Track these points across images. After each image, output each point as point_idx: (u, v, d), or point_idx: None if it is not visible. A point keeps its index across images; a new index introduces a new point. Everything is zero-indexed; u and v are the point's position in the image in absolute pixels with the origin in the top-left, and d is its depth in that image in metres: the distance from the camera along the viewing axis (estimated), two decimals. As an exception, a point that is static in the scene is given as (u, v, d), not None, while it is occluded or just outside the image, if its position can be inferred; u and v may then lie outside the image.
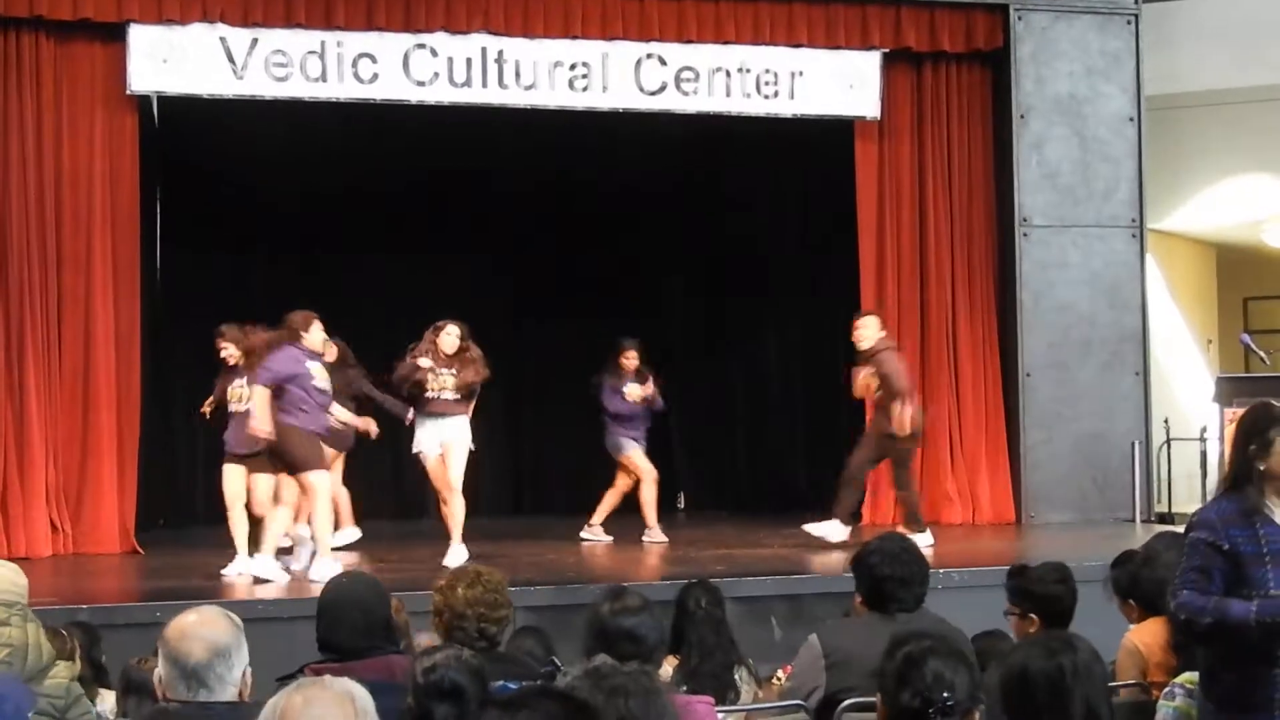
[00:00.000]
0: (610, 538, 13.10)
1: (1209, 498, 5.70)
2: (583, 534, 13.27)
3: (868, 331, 12.21)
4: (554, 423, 17.08)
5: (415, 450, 11.66)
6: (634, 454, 13.14)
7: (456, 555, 11.21)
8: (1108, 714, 4.11)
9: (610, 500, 13.28)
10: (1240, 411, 5.68)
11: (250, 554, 11.12)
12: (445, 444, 11.53)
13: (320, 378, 10.69)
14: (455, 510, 11.55)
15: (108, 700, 7.17)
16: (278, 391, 10.46)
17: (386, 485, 15.71)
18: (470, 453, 11.66)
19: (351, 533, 12.73)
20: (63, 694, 5.61)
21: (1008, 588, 6.70)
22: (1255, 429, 5.32)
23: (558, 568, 11.66)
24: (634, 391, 12.98)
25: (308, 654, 5.44)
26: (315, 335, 10.77)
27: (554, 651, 6.85)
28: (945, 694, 3.95)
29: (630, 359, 13.14)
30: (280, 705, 3.19)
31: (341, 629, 5.29)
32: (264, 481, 11.29)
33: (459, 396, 11.61)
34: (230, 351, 11.41)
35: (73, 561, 12.23)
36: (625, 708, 3.19)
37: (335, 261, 16.07)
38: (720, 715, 6.05)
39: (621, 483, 13.24)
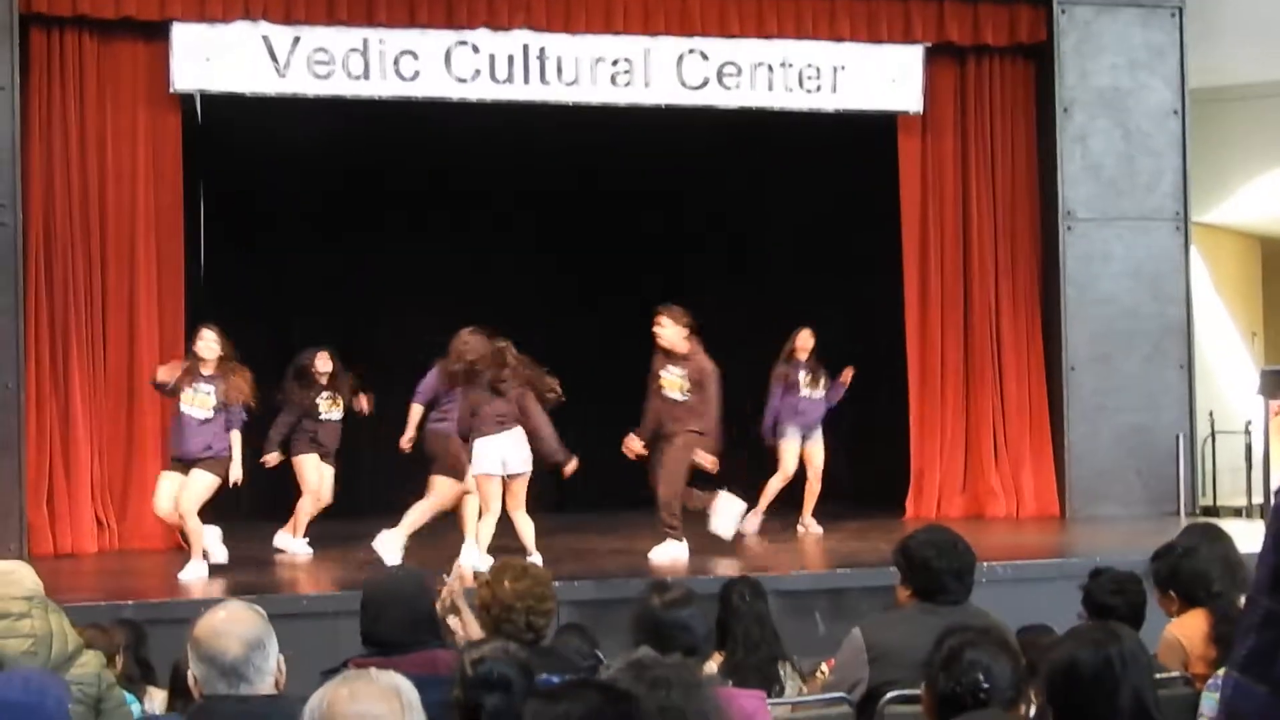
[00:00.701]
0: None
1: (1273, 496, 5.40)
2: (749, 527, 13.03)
3: (672, 331, 11.83)
4: (598, 418, 17.04)
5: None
6: (785, 444, 13.16)
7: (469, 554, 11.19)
8: (1154, 704, 4.09)
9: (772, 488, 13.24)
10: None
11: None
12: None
13: None
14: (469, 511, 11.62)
15: (156, 698, 7.22)
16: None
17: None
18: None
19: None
20: (93, 681, 5.63)
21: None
22: None
23: (598, 562, 11.66)
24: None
25: (351, 649, 5.47)
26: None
27: (599, 647, 6.87)
28: (985, 685, 3.95)
29: (805, 345, 13.20)
30: (326, 698, 3.20)
31: (385, 623, 5.31)
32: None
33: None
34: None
35: (118, 558, 12.29)
36: (667, 699, 3.19)
37: (374, 258, 16.09)
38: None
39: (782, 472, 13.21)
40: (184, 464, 11.16)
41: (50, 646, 5.54)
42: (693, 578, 9.50)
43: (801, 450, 13.15)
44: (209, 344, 11.18)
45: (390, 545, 11.19)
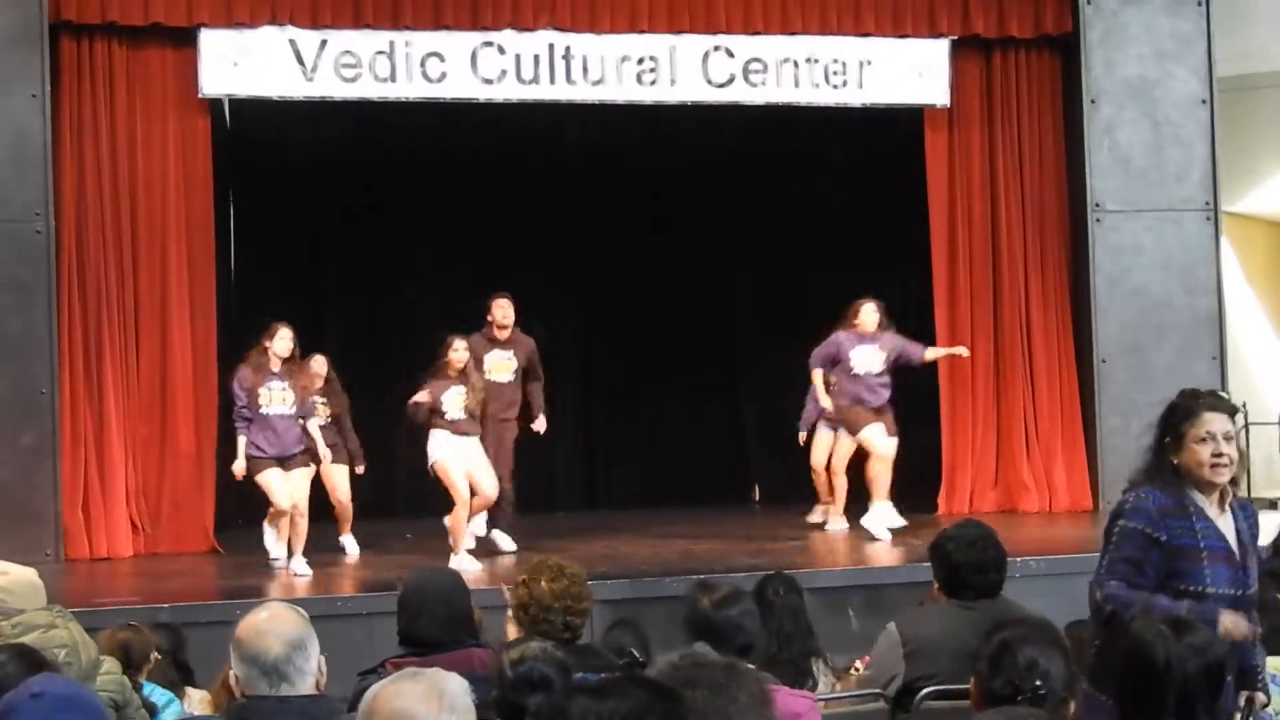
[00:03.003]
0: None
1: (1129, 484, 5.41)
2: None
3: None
4: (627, 417, 17.07)
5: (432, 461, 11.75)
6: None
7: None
8: (1205, 695, 4.05)
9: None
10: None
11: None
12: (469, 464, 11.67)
13: None
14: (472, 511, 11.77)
15: (194, 699, 7.25)
16: None
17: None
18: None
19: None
20: (117, 688, 5.66)
21: None
22: (1170, 421, 5.26)
23: (631, 560, 11.69)
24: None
25: (387, 649, 5.50)
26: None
27: (649, 644, 6.89)
28: (1038, 682, 3.94)
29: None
30: (374, 694, 3.22)
31: (423, 622, 5.35)
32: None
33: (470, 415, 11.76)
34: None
35: (153, 561, 12.35)
36: (712, 697, 3.20)
37: (404, 259, 16.11)
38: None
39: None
40: (277, 461, 11.27)
41: (80, 655, 5.56)
42: (728, 575, 9.48)
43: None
44: (286, 341, 11.39)
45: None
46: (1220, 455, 5.15)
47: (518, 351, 12.35)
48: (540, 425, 12.56)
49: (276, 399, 11.32)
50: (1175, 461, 5.17)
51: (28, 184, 12.37)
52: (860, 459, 12.71)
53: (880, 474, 12.49)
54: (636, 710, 2.65)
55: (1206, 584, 5.02)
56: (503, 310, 12.35)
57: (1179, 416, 5.23)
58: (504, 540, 12.33)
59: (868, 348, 12.53)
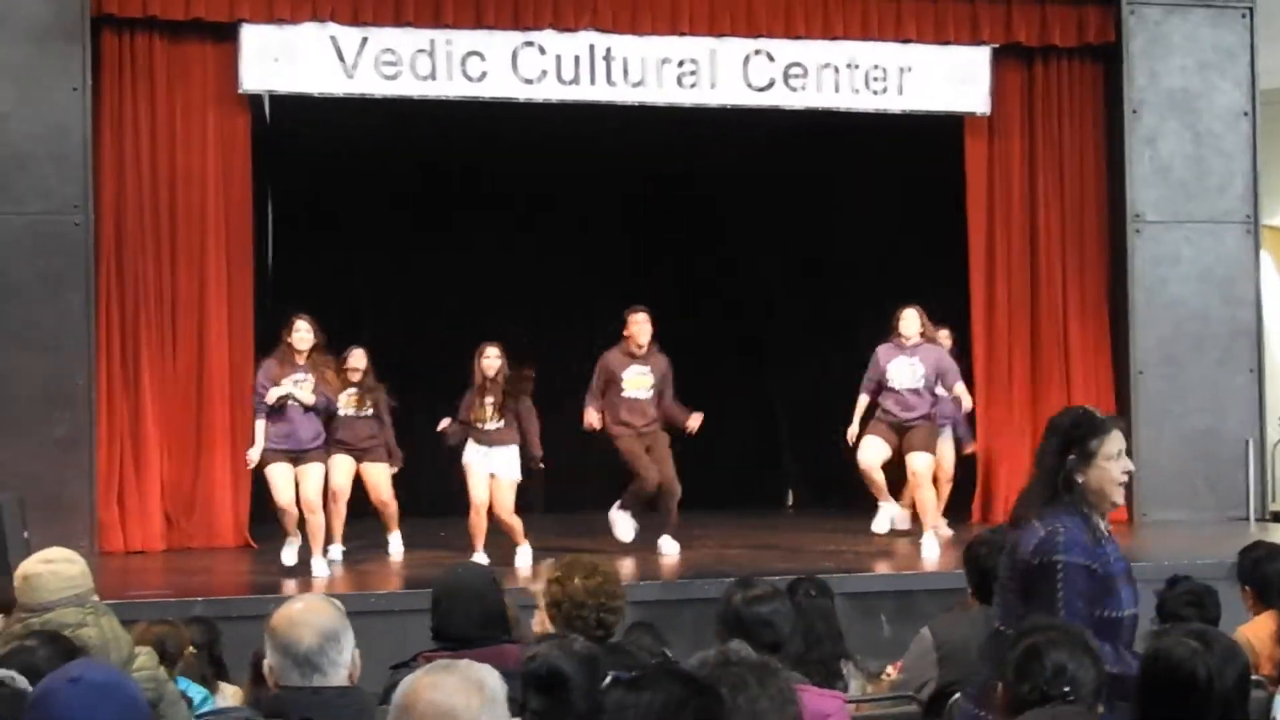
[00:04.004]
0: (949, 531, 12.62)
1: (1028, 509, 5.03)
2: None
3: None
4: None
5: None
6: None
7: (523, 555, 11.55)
8: (1241, 705, 4.00)
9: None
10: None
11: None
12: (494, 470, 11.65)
13: None
14: (513, 527, 11.70)
15: (227, 693, 7.26)
16: None
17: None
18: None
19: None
20: (151, 684, 5.62)
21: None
22: (1075, 435, 4.95)
23: (661, 563, 11.68)
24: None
25: (420, 646, 5.49)
26: None
27: (667, 645, 6.87)
28: (1066, 688, 3.91)
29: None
30: (411, 686, 3.20)
31: (457, 618, 5.34)
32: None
33: (501, 424, 11.66)
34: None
35: (186, 555, 12.37)
36: (744, 694, 3.19)
37: (441, 257, 16.12)
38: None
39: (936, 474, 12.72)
40: (290, 454, 11.19)
41: (110, 653, 5.49)
42: (763, 578, 9.45)
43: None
44: (304, 334, 11.30)
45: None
46: (1128, 473, 4.99)
47: (654, 368, 12.11)
48: (694, 424, 12.29)
49: (297, 392, 11.27)
50: (1080, 480, 4.90)
51: (68, 178, 12.43)
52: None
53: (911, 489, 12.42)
54: (672, 703, 2.64)
55: (1122, 607, 4.87)
56: (639, 326, 12.06)
57: (1086, 432, 4.94)
58: (669, 545, 12.14)
59: (904, 360, 12.18)
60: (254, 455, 11.32)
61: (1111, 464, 4.94)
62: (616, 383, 12.06)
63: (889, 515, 12.41)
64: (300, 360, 11.31)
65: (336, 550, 11.97)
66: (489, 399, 11.55)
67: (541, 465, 11.87)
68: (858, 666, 7.18)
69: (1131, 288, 14.14)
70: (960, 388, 12.31)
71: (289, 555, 11.40)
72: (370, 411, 12.06)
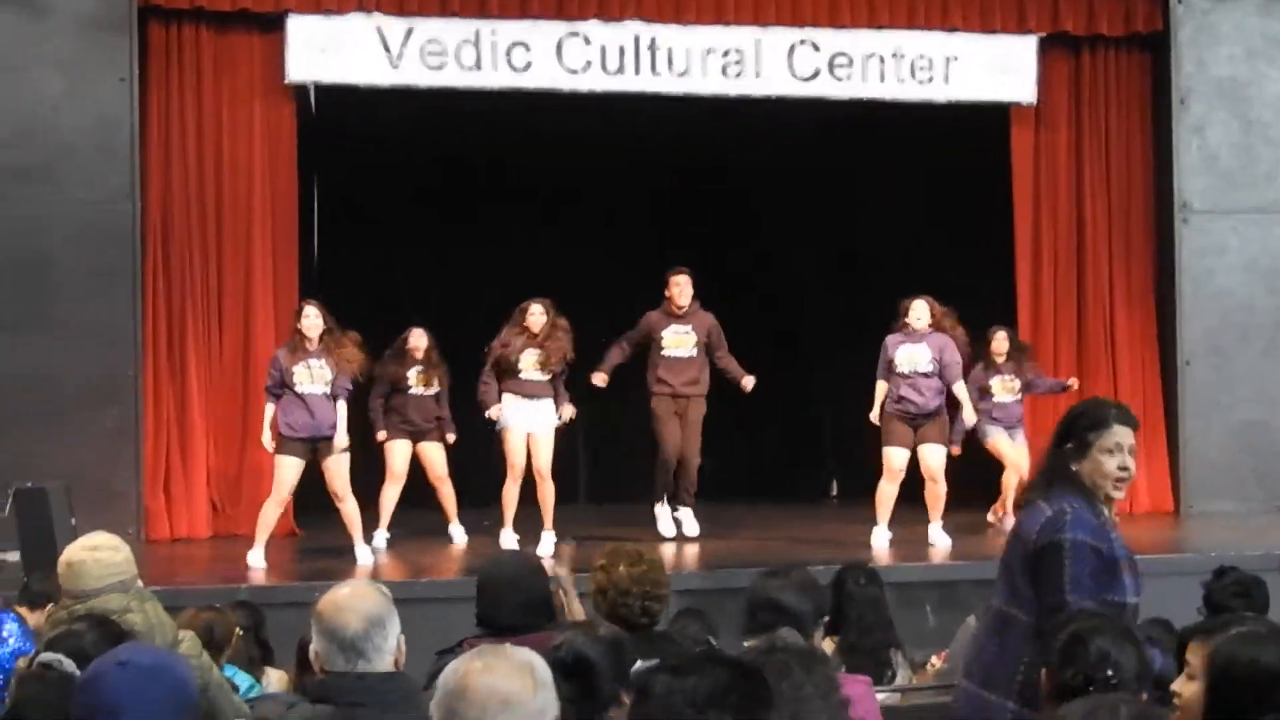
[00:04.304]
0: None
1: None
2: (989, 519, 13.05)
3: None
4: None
5: (500, 427, 11.81)
6: (996, 441, 12.78)
7: (546, 543, 11.48)
8: None
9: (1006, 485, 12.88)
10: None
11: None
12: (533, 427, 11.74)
13: None
14: (546, 496, 11.72)
15: (273, 678, 7.30)
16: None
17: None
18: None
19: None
20: (196, 669, 5.61)
21: None
22: (1075, 427, 5.01)
23: (704, 552, 11.69)
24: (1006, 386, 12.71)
25: (464, 633, 5.50)
26: None
27: (715, 633, 6.88)
28: (1109, 673, 3.90)
29: (1000, 345, 12.81)
30: (460, 670, 3.20)
31: (502, 606, 5.35)
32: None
33: (547, 376, 11.78)
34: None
35: (233, 542, 12.41)
36: (776, 683, 3.18)
37: (487, 247, 16.14)
38: (878, 695, 6.03)
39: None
40: (306, 443, 11.11)
41: (154, 639, 5.48)
42: (807, 567, 9.44)
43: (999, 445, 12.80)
44: (312, 320, 11.24)
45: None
46: (1125, 469, 4.98)
47: (696, 326, 12.23)
48: (748, 383, 12.39)
49: (315, 377, 11.11)
50: (1074, 469, 4.94)
51: (115, 168, 12.50)
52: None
53: (930, 491, 12.13)
54: (718, 689, 2.64)
55: (1127, 594, 4.84)
56: (679, 287, 12.20)
57: (1086, 424, 4.99)
58: (689, 522, 12.30)
59: (914, 346, 11.99)
60: (268, 440, 11.25)
61: (1106, 458, 4.97)
62: (657, 341, 12.19)
63: (886, 537, 12.21)
64: (311, 347, 11.18)
65: (381, 537, 12.02)
66: (533, 351, 11.58)
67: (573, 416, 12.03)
68: (906, 656, 7.18)
69: (1179, 278, 14.08)
70: (959, 388, 12.09)
71: (257, 557, 11.11)
72: (436, 389, 12.24)
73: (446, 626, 6.55)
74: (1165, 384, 14.27)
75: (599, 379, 12.24)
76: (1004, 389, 12.78)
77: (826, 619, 4.96)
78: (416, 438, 12.26)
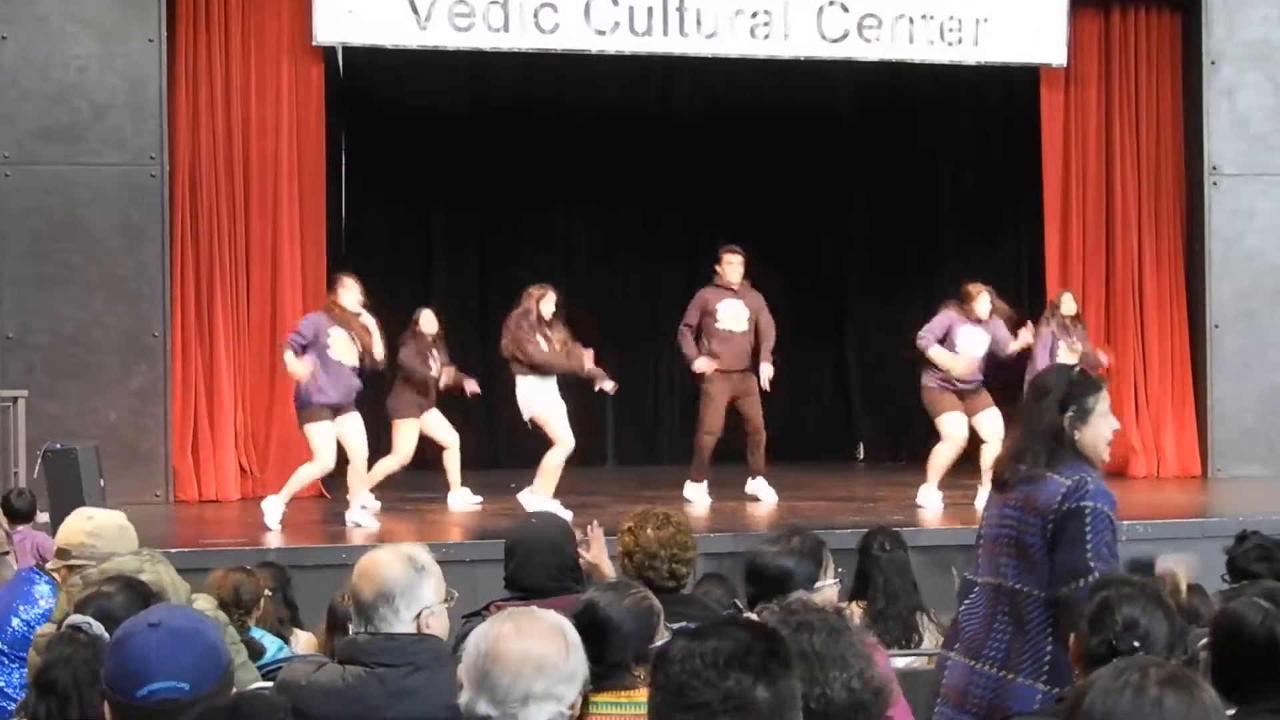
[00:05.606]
0: None
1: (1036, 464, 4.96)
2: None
3: None
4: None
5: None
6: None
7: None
8: None
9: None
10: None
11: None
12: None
13: None
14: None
15: (300, 639, 7.34)
16: None
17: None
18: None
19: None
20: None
21: None
22: (1073, 392, 4.94)
23: (735, 515, 11.70)
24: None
25: (490, 596, 5.52)
26: None
27: (738, 597, 6.87)
28: (1136, 642, 3.89)
29: (1069, 308, 12.55)
30: (491, 633, 3.21)
31: (531, 568, 5.37)
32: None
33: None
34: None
35: (260, 505, 12.45)
36: (809, 643, 3.19)
37: (512, 210, 16.13)
38: (905, 660, 6.05)
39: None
40: (334, 410, 11.03)
41: (169, 600, 5.49)
42: (830, 532, 9.45)
43: None
44: (353, 293, 11.25)
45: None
46: (1114, 431, 5.05)
47: (749, 303, 12.32)
48: (765, 372, 12.35)
49: (344, 348, 11.03)
50: (1076, 437, 4.90)
51: (143, 129, 12.52)
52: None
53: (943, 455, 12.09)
54: (738, 650, 2.63)
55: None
56: (730, 266, 12.34)
57: (1084, 390, 4.95)
58: (764, 490, 12.43)
59: (976, 330, 11.92)
60: (302, 370, 10.96)
61: (1104, 423, 4.98)
62: (712, 314, 12.28)
63: (937, 496, 12.16)
64: (350, 320, 11.16)
65: (372, 500, 11.89)
66: (554, 335, 11.65)
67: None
68: (932, 619, 7.17)
69: (1208, 241, 14.02)
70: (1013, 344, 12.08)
71: (274, 514, 11.07)
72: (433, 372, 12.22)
73: (474, 588, 6.59)
74: (1194, 348, 14.22)
75: (705, 365, 12.25)
76: (1070, 352, 12.64)
77: (834, 580, 4.87)
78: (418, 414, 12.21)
